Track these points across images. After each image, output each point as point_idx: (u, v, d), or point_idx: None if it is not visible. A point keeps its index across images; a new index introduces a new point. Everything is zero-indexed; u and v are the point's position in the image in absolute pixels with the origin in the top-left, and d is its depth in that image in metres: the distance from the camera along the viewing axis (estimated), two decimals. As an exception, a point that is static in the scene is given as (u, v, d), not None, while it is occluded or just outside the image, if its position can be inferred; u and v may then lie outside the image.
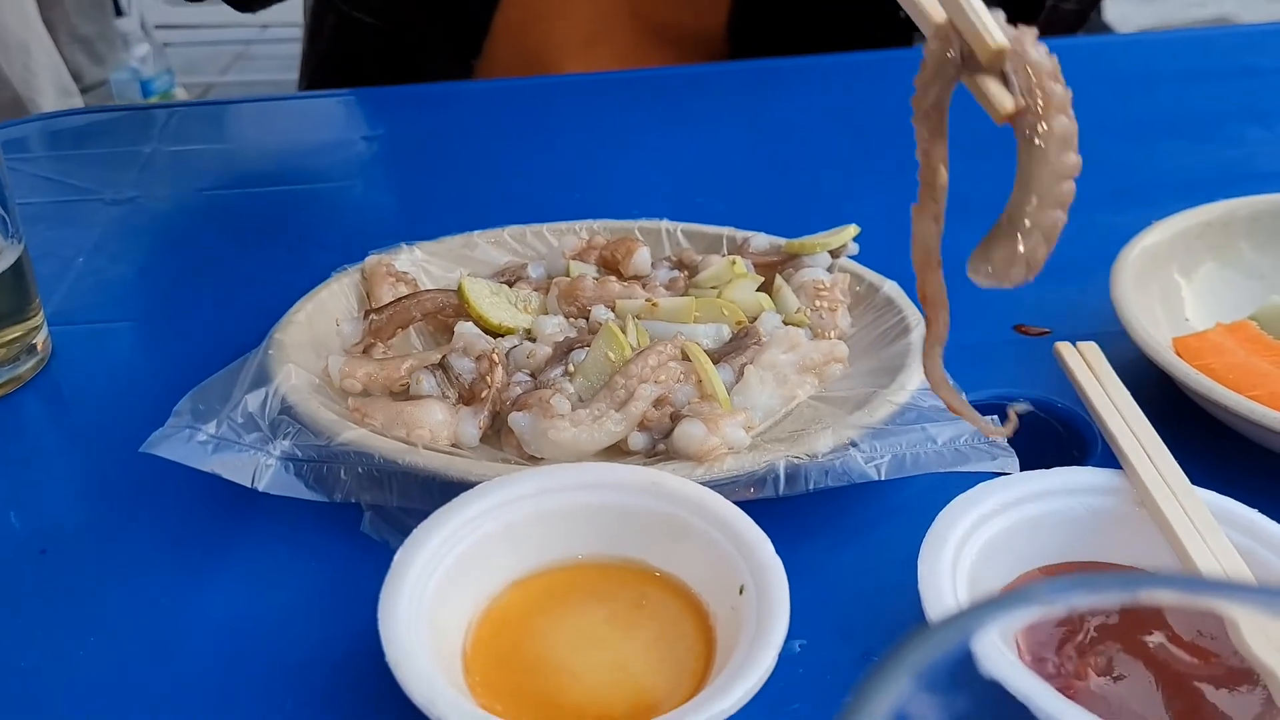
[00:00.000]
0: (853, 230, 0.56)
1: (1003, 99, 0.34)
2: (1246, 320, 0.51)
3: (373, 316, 0.49)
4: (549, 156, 0.76)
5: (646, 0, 0.87)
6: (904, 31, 0.98)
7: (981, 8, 0.34)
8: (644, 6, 0.88)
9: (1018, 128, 0.35)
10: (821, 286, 0.53)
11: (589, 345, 0.48)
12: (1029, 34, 0.35)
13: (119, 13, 2.79)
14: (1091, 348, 0.48)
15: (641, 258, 0.56)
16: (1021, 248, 0.35)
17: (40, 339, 0.55)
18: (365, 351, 0.50)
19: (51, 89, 2.26)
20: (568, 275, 0.55)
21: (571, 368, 0.47)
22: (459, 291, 0.51)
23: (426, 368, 0.47)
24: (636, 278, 0.56)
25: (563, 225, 0.59)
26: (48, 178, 0.71)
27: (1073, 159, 0.34)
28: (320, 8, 0.94)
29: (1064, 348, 0.48)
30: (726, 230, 0.59)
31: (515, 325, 0.51)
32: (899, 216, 0.62)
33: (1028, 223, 0.35)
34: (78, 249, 0.64)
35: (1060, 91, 0.34)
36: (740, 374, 0.48)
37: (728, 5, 0.88)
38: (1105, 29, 1.60)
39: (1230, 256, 0.53)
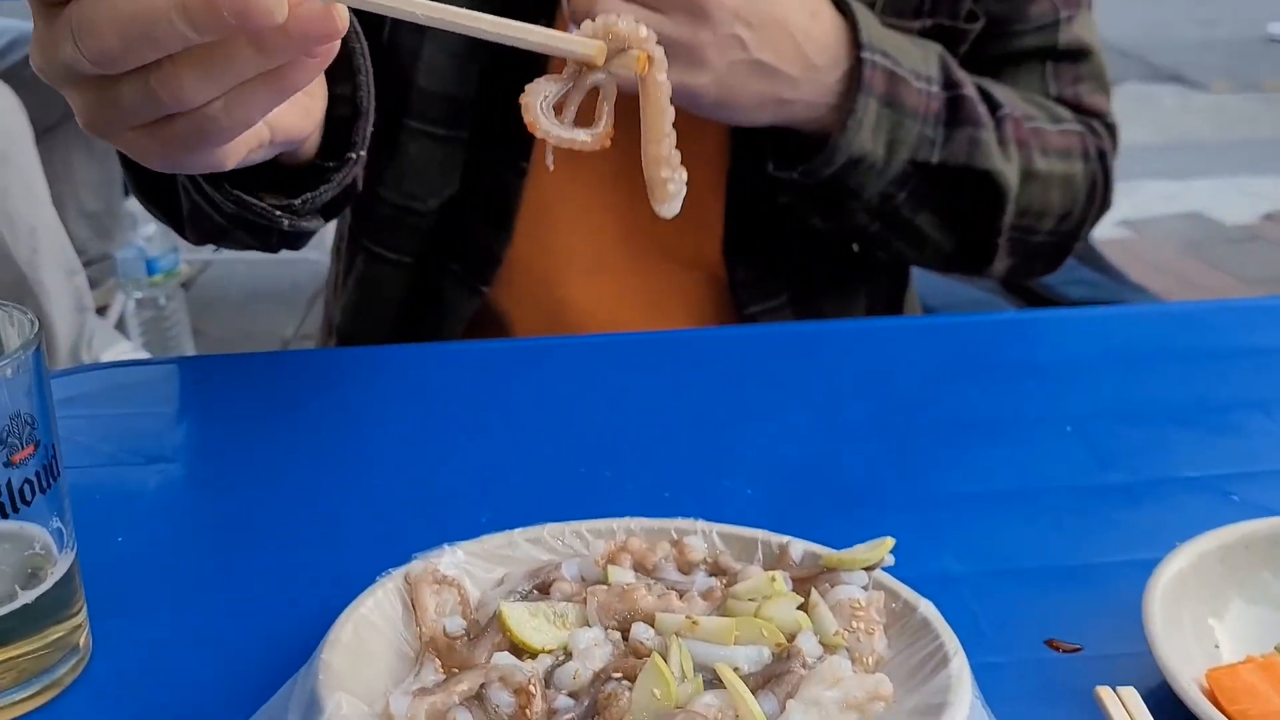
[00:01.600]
0: (889, 543, 0.58)
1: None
2: (1275, 655, 0.52)
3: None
4: (569, 421, 0.78)
5: (643, 229, 0.91)
6: (897, 275, 1.02)
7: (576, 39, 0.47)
8: (641, 235, 0.92)
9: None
10: (857, 606, 0.55)
11: (629, 670, 0.49)
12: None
13: (128, 192, 2.86)
14: (1131, 694, 0.49)
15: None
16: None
17: (82, 637, 0.55)
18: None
19: (58, 270, 2.30)
20: (604, 580, 0.56)
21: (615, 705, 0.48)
22: (499, 620, 0.52)
23: (463, 704, 0.48)
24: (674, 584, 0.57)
25: (600, 525, 0.61)
26: (79, 440, 0.72)
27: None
28: (351, 247, 0.98)
29: (1105, 694, 0.49)
30: (762, 534, 0.60)
31: (555, 645, 0.52)
32: (931, 509, 0.65)
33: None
34: (118, 525, 0.65)
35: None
36: (783, 706, 0.49)
37: (720, 231, 0.91)
38: (1096, 257, 1.66)
39: (1256, 591, 0.55)
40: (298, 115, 0.59)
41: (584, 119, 0.51)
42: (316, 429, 0.77)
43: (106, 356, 2.33)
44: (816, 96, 0.78)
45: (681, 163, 0.51)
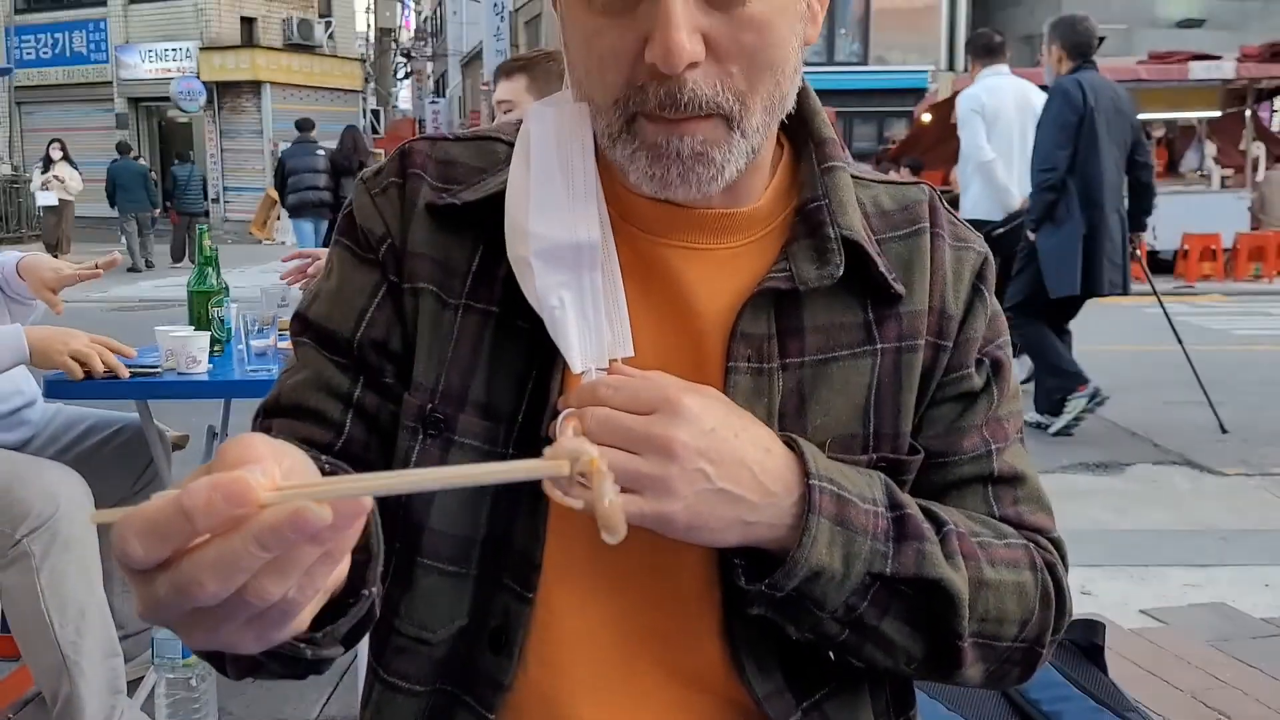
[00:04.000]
0: None
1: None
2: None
3: None
4: None
5: (645, 654, 0.95)
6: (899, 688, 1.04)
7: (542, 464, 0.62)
8: (643, 660, 0.96)
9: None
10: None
11: None
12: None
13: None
14: None
15: None
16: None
17: None
18: None
19: (98, 653, 2.34)
20: None
21: None
22: None
23: None
24: None
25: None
26: None
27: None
28: (370, 676, 1.03)
29: None
30: None
31: None
32: None
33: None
34: None
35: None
36: None
37: (718, 644, 0.95)
38: (1094, 634, 1.65)
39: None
40: (337, 571, 0.68)
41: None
42: None
43: (132, 739, 2.32)
44: (776, 519, 0.86)
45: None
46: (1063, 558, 1.01)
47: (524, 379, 0.93)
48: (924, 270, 0.98)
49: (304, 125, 12.50)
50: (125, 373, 2.65)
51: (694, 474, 0.83)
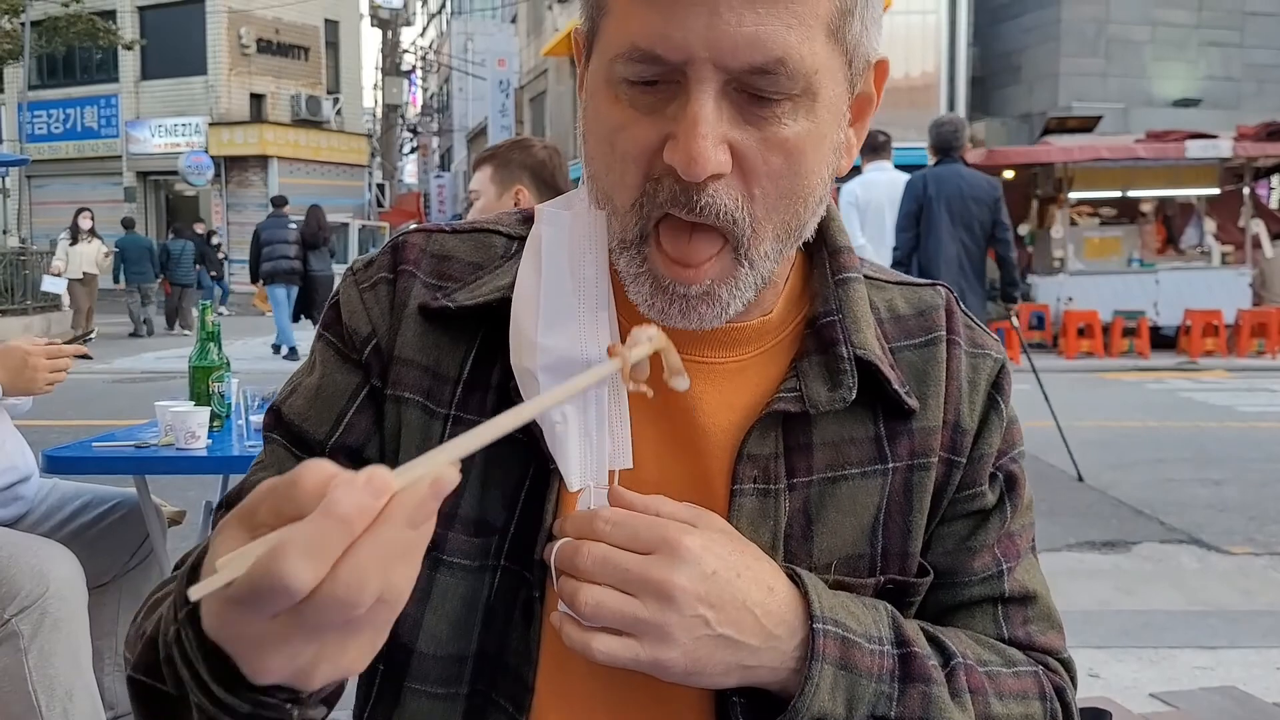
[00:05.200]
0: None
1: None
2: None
3: None
4: None
5: None
6: None
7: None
8: None
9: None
10: None
11: None
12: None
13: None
14: None
15: None
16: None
17: None
18: None
19: (84, 736, 2.29)
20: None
21: None
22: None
23: None
24: None
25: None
26: None
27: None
28: None
29: None
30: None
31: None
32: None
33: None
34: None
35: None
36: None
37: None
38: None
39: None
40: None
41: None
42: None
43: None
44: (777, 662, 0.83)
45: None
46: (1072, 678, 0.98)
47: (516, 492, 0.89)
48: (939, 381, 0.94)
49: (278, 201, 13.66)
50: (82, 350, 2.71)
51: (693, 620, 0.79)
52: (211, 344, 3.10)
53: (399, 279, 0.94)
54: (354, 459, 0.92)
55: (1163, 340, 13.63)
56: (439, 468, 0.56)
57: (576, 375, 0.75)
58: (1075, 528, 5.53)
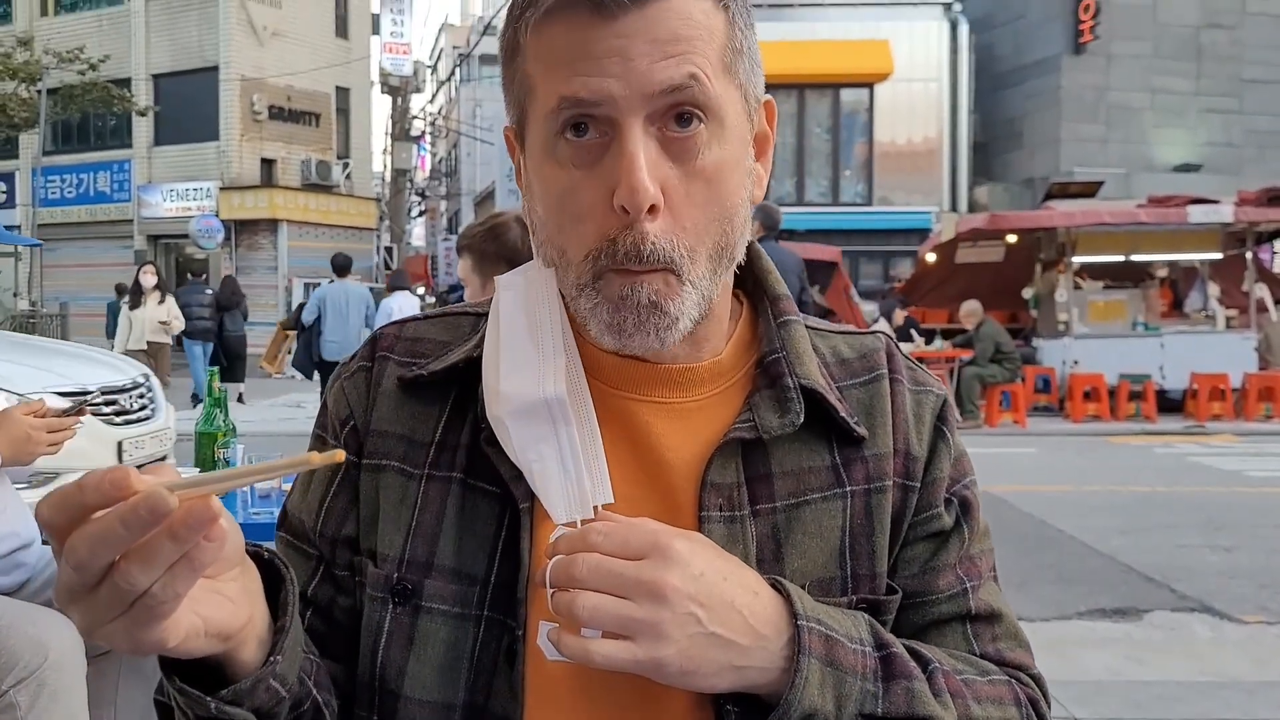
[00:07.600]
0: None
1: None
2: None
3: None
4: None
5: None
6: None
7: None
8: None
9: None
10: None
11: None
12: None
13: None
14: None
15: None
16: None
17: None
18: None
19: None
20: None
21: None
22: None
23: None
24: None
25: None
26: None
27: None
28: None
29: None
30: None
31: None
32: None
33: None
34: None
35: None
36: None
37: None
38: None
39: None
40: (226, 613, 0.75)
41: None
42: None
43: None
44: (767, 663, 0.86)
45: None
46: (1044, 694, 1.02)
47: (494, 541, 0.95)
48: (885, 414, 1.01)
49: (196, 272, 16.63)
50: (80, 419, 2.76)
51: (686, 618, 0.83)
52: (218, 410, 3.10)
53: (375, 365, 1.03)
54: (338, 542, 1.00)
55: (1169, 404, 13.60)
56: (160, 486, 0.63)
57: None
58: (1085, 595, 5.47)
